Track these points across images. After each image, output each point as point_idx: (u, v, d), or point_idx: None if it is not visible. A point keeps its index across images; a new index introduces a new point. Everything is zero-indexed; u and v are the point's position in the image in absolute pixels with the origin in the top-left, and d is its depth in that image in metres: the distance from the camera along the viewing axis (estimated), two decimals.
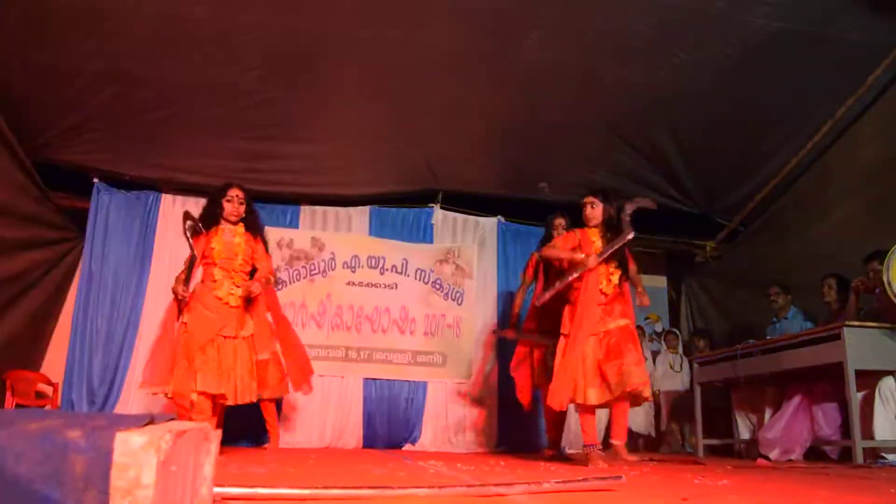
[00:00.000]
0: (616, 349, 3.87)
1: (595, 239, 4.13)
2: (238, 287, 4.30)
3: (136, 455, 0.99)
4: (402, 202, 6.70)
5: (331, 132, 5.45)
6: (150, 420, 1.13)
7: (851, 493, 2.50)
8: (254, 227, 4.52)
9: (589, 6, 3.15)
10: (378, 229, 6.62)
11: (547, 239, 4.85)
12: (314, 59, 3.74)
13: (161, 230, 6.12)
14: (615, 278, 4.15)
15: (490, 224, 6.83)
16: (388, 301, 6.44)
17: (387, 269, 6.49)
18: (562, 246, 4.20)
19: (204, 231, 4.36)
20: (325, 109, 5.11)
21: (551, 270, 4.62)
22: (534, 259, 5.23)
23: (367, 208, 6.64)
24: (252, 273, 4.45)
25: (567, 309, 4.21)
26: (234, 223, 4.43)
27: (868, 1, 4.20)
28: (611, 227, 4.11)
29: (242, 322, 4.34)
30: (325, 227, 6.53)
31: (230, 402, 4.15)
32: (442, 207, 6.67)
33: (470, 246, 6.74)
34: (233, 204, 4.39)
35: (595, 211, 4.13)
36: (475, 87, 4.74)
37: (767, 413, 5.29)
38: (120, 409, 5.54)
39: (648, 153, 5.69)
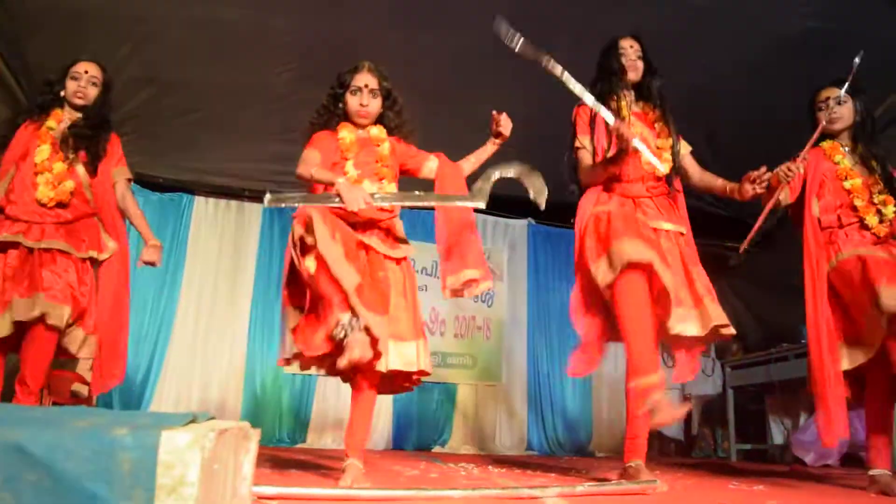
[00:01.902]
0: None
1: None
2: None
3: (181, 453, 1.01)
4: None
5: None
6: (192, 419, 1.15)
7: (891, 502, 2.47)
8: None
9: (619, 7, 3.14)
10: (409, 230, 6.58)
11: None
12: (346, 61, 3.76)
13: (194, 232, 6.19)
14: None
15: (520, 226, 6.83)
16: None
17: (417, 271, 6.51)
18: None
19: None
20: None
21: None
22: None
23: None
24: None
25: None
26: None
27: None
28: None
29: None
30: None
31: None
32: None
33: (500, 248, 6.74)
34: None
35: None
36: (505, 89, 4.73)
37: (802, 417, 5.23)
38: (153, 408, 5.61)
39: None
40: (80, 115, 3.27)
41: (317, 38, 4.54)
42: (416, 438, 6.17)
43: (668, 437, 6.80)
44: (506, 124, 2.98)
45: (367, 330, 2.37)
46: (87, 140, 3.20)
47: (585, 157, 3.12)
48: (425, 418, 6.30)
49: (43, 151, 3.12)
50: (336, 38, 4.49)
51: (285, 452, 4.65)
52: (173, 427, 1.03)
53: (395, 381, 2.72)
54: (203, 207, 6.31)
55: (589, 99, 2.83)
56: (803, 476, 3.89)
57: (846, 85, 3.14)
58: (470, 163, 3.05)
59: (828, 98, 3.24)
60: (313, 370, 2.83)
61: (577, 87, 2.81)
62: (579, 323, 2.98)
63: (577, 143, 3.14)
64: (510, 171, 2.77)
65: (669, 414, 2.56)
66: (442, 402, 6.35)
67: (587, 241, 2.96)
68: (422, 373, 2.65)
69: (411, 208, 2.96)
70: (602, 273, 2.80)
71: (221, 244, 6.27)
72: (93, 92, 3.31)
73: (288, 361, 2.74)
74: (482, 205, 2.74)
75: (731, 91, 4.86)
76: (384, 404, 6.14)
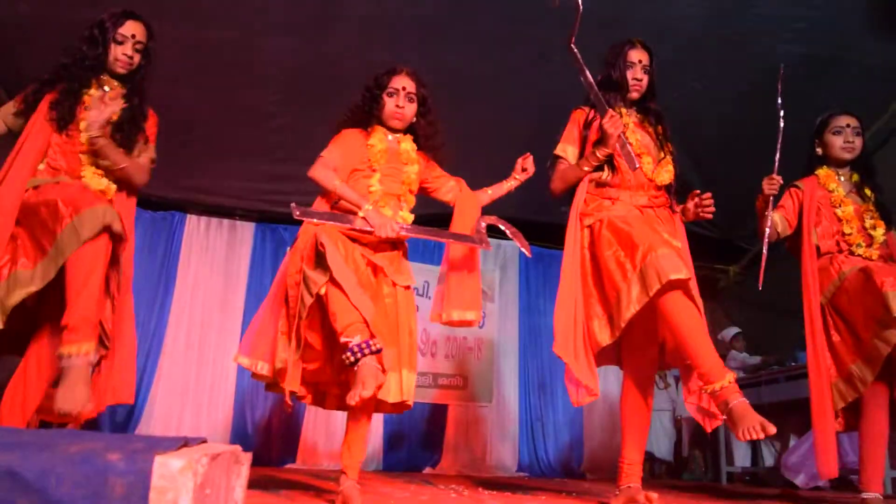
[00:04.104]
0: None
1: None
2: None
3: (174, 478, 1.01)
4: (425, 224, 6.72)
5: None
6: (184, 443, 1.15)
7: None
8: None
9: (606, 32, 3.17)
10: None
11: None
12: (333, 82, 3.80)
13: (185, 250, 6.18)
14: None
15: (511, 248, 6.85)
16: None
17: None
18: None
19: None
20: None
21: None
22: None
23: None
24: None
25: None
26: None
27: (888, 25, 4.20)
28: None
29: None
30: None
31: None
32: None
33: (491, 269, 6.75)
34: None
35: None
36: (493, 110, 4.78)
37: (792, 440, 5.24)
38: (142, 429, 5.57)
39: None
40: (116, 82, 2.87)
41: (305, 60, 4.56)
42: (407, 459, 6.14)
43: (658, 459, 6.79)
44: (530, 166, 3.05)
45: (379, 356, 2.33)
46: (137, 128, 2.83)
47: (561, 167, 3.02)
48: (416, 439, 6.28)
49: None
50: (323, 61, 4.52)
51: (276, 473, 4.62)
52: (166, 452, 1.03)
53: (382, 405, 2.71)
54: (194, 226, 6.31)
55: (593, 91, 2.85)
56: (794, 499, 3.89)
57: (778, 99, 3.18)
58: (487, 195, 3.09)
59: (848, 125, 3.28)
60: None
61: (589, 78, 2.85)
62: (568, 346, 2.76)
63: (557, 151, 3.04)
64: (501, 223, 3.02)
65: (752, 422, 2.29)
66: (433, 423, 6.33)
67: (604, 251, 2.74)
68: (409, 406, 2.66)
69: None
70: (636, 293, 2.55)
71: (213, 263, 6.25)
72: (137, 59, 2.90)
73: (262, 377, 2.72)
74: (488, 249, 3.00)
75: (717, 115, 4.92)
76: (375, 424, 6.12)
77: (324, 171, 2.75)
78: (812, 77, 4.38)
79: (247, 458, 1.34)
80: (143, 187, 2.93)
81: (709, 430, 2.81)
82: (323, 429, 5.95)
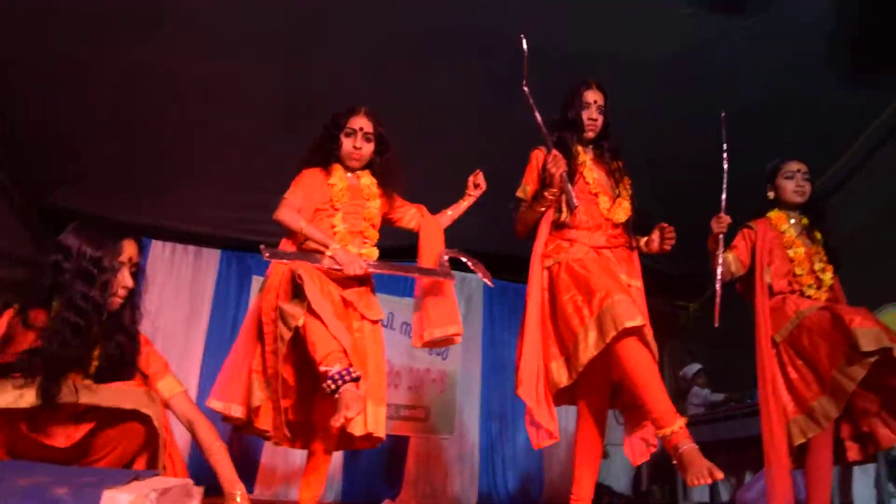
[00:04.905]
0: None
1: None
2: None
3: None
4: (389, 256, 6.74)
5: None
6: (134, 477, 1.16)
7: None
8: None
9: (577, 72, 3.26)
10: None
11: None
12: (306, 112, 3.84)
13: (150, 275, 6.12)
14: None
15: (476, 280, 6.85)
16: None
17: None
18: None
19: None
20: None
21: None
22: None
23: None
24: None
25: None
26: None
27: (852, 69, 4.35)
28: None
29: None
30: None
31: None
32: None
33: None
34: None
35: None
36: (477, 137, 4.85)
37: (748, 476, 5.30)
38: None
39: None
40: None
41: (280, 90, 4.59)
42: (367, 490, 6.09)
43: (617, 493, 6.81)
44: (482, 182, 3.17)
45: (357, 384, 2.35)
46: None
47: (521, 209, 3.08)
48: (377, 470, 6.24)
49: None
50: (299, 91, 4.55)
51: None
52: (115, 486, 1.04)
53: (355, 441, 2.73)
54: (160, 251, 6.26)
55: (541, 131, 2.91)
56: None
57: (723, 144, 3.27)
58: (447, 216, 3.18)
59: (799, 170, 3.40)
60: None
61: (539, 118, 2.92)
62: (531, 390, 2.82)
63: (518, 192, 3.10)
64: (462, 256, 3.09)
65: (700, 469, 2.30)
66: (393, 454, 6.29)
67: (562, 294, 2.78)
68: (381, 438, 2.70)
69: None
70: (593, 339, 2.58)
71: (177, 289, 6.20)
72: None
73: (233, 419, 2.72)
74: (452, 280, 3.00)
75: (683, 153, 5.03)
76: (336, 456, 6.07)
77: (289, 212, 2.79)
78: (774, 120, 4.52)
79: (199, 491, 1.36)
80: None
81: (635, 464, 2.89)
82: (282, 453, 5.89)
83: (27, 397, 1.76)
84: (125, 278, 2.30)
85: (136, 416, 1.87)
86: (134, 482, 1.12)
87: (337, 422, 2.25)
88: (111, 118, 4.71)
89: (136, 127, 4.82)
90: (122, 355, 2.28)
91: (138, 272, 2.40)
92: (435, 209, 3.25)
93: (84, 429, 1.84)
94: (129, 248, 2.34)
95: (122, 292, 2.31)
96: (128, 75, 4.33)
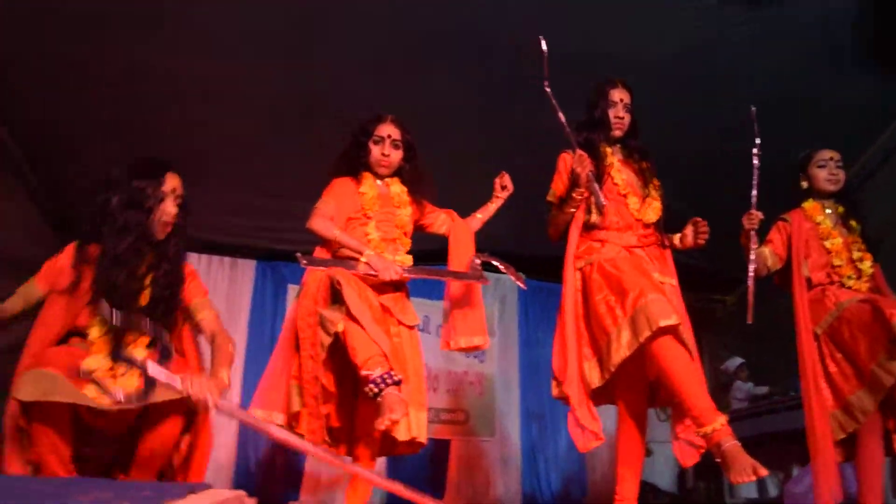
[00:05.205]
0: None
1: None
2: None
3: None
4: (420, 259, 6.76)
5: None
6: (189, 490, 1.18)
7: None
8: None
9: (585, 73, 3.24)
10: None
11: None
12: (332, 121, 3.85)
13: None
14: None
15: (510, 282, 6.82)
16: None
17: None
18: None
19: None
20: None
21: None
22: None
23: None
24: None
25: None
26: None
27: (872, 63, 4.26)
28: None
29: None
30: None
31: None
32: None
33: (490, 304, 6.76)
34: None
35: None
36: (483, 137, 4.85)
37: (795, 470, 5.22)
38: None
39: None
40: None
41: (290, 91, 4.58)
42: None
43: (662, 491, 6.75)
44: (509, 183, 3.16)
45: (399, 387, 2.38)
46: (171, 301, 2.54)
47: (553, 213, 3.08)
48: (420, 474, 6.25)
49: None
50: (321, 99, 4.57)
51: None
52: (174, 500, 1.07)
53: (398, 447, 2.75)
54: (195, 263, 6.32)
55: (565, 132, 2.89)
56: None
57: (756, 139, 3.22)
58: (477, 220, 3.19)
59: (831, 158, 3.34)
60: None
61: (562, 118, 2.90)
62: (573, 390, 2.79)
63: (548, 197, 3.11)
64: (493, 259, 3.08)
65: (744, 466, 2.27)
66: (435, 458, 6.31)
67: (595, 295, 2.78)
68: (423, 443, 2.73)
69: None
70: (626, 339, 2.57)
71: (214, 300, 6.26)
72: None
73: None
74: (486, 283, 3.03)
75: (703, 152, 4.97)
76: (378, 461, 6.09)
77: (322, 221, 2.83)
78: (790, 115, 4.45)
79: (252, 503, 1.38)
80: None
81: (685, 466, 2.85)
82: (326, 468, 5.93)
83: (102, 400, 2.06)
84: (169, 206, 2.47)
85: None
86: (190, 495, 1.14)
87: (381, 425, 2.28)
88: (111, 118, 4.68)
89: (136, 127, 4.76)
90: (170, 284, 2.47)
91: (183, 204, 2.56)
92: (456, 209, 3.27)
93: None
94: (171, 180, 2.51)
95: (166, 218, 2.47)
96: (128, 75, 4.33)
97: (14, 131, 4.60)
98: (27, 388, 1.98)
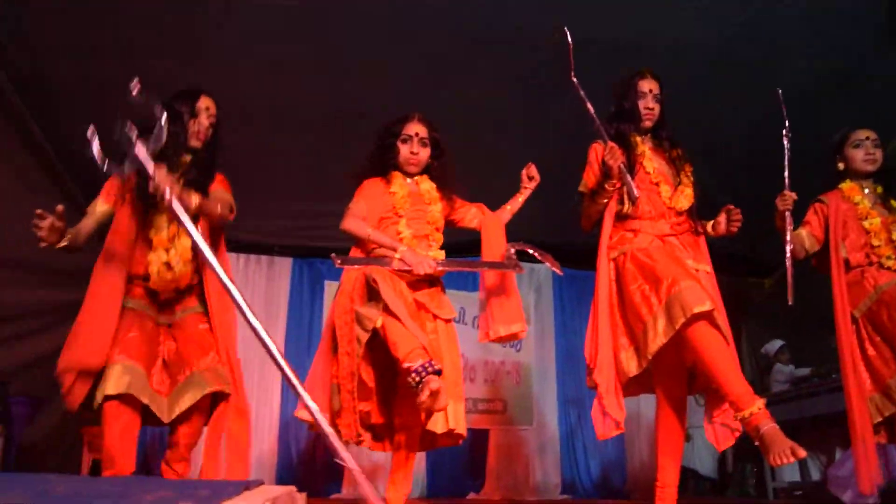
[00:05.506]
0: None
1: None
2: None
3: None
4: (452, 251, 6.80)
5: None
6: (245, 487, 1.24)
7: None
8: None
9: (617, 64, 3.23)
10: None
11: None
12: (360, 122, 3.90)
13: None
14: None
15: (545, 270, 6.89)
16: None
17: None
18: None
19: None
20: None
21: None
22: None
23: None
24: None
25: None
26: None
27: None
28: None
29: None
30: None
31: None
32: None
33: (526, 293, 6.79)
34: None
35: None
36: (517, 141, 4.86)
37: (838, 453, 5.18)
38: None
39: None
40: (189, 156, 2.91)
41: (331, 98, 4.66)
42: (451, 485, 6.18)
43: (702, 476, 6.73)
44: (535, 174, 3.15)
45: (440, 376, 2.41)
46: (199, 188, 2.79)
47: (584, 204, 3.08)
48: (460, 465, 6.32)
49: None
50: (347, 98, 4.63)
51: None
52: (230, 498, 1.12)
53: (438, 440, 2.80)
54: (234, 263, 6.45)
55: (594, 124, 2.90)
56: None
57: (785, 122, 3.21)
58: (506, 212, 3.21)
59: (867, 137, 3.31)
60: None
61: (591, 110, 2.92)
62: (603, 377, 2.80)
63: (580, 187, 3.11)
64: (528, 248, 3.09)
65: (783, 448, 2.27)
66: (475, 448, 6.36)
67: (629, 284, 2.79)
68: (461, 435, 2.77)
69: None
70: (662, 327, 2.59)
71: (252, 299, 6.38)
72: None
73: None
74: (521, 272, 3.03)
75: (737, 137, 4.93)
76: (418, 453, 6.17)
77: (354, 221, 2.88)
78: (826, 97, 4.39)
79: (302, 497, 1.43)
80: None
81: (720, 449, 2.86)
82: (365, 453, 6.01)
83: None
84: (202, 120, 2.89)
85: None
86: (245, 492, 1.19)
87: (424, 396, 2.32)
88: None
89: None
90: (200, 172, 2.85)
91: (216, 123, 2.96)
92: (491, 204, 3.29)
93: None
94: (204, 100, 2.94)
95: (199, 128, 2.89)
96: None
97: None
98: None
